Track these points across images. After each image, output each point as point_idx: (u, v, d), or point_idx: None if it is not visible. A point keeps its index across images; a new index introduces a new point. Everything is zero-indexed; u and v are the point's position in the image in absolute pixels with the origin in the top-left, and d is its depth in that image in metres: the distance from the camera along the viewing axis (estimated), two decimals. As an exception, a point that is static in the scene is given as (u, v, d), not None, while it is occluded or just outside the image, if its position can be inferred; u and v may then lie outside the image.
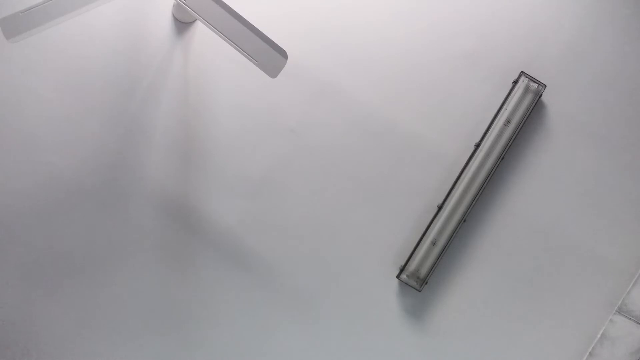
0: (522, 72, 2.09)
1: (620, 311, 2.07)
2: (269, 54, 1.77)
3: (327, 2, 2.12)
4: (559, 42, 2.13)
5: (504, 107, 2.07)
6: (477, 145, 2.08)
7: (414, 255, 2.06)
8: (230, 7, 1.75)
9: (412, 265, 2.07)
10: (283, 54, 1.77)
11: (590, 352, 2.08)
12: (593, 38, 2.13)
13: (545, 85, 2.09)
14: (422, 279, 2.06)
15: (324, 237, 2.12)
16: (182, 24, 2.10)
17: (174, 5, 2.08)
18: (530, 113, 2.07)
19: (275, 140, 2.12)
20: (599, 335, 2.08)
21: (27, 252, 2.08)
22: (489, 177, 2.06)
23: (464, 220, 2.07)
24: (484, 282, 2.11)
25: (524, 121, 2.07)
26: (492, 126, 2.07)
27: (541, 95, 2.09)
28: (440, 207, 2.07)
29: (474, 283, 2.11)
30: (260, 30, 1.76)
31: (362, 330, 2.11)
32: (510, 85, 2.12)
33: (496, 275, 2.11)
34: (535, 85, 2.07)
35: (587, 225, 2.11)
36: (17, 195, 2.07)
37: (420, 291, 2.08)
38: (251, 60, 1.78)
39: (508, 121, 2.07)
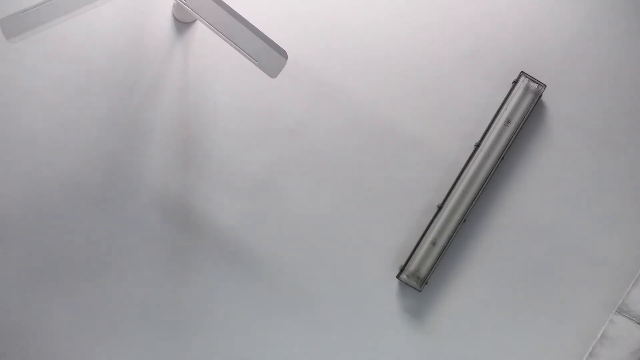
0: (522, 72, 2.09)
1: (620, 311, 2.07)
2: (269, 54, 1.77)
3: (327, 2, 2.12)
4: (559, 42, 2.13)
5: (504, 107, 2.07)
6: (477, 145, 2.08)
7: (414, 255, 2.06)
8: (230, 7, 1.75)
9: (412, 265, 2.07)
10: (283, 54, 1.77)
11: (590, 352, 2.08)
12: (593, 38, 2.13)
13: (545, 85, 2.09)
14: (422, 279, 2.06)
15: (323, 237, 2.12)
16: (182, 24, 2.10)
17: (174, 5, 2.08)
18: (530, 113, 2.07)
19: (275, 140, 2.12)
20: (599, 335, 2.08)
21: (26, 252, 2.08)
22: (489, 177, 2.06)
23: (464, 220, 2.07)
24: (484, 282, 2.11)
25: (524, 121, 2.06)
26: (492, 126, 2.07)
27: (541, 95, 2.09)
28: (440, 207, 2.07)
29: (474, 283, 2.11)
30: (260, 30, 1.76)
31: (362, 330, 2.11)
32: (510, 85, 2.12)
33: (496, 275, 2.11)
34: (535, 85, 2.07)
35: (587, 225, 2.11)
36: (17, 195, 2.07)
37: (420, 291, 2.08)
38: (251, 60, 1.78)
39: (508, 121, 2.07)
